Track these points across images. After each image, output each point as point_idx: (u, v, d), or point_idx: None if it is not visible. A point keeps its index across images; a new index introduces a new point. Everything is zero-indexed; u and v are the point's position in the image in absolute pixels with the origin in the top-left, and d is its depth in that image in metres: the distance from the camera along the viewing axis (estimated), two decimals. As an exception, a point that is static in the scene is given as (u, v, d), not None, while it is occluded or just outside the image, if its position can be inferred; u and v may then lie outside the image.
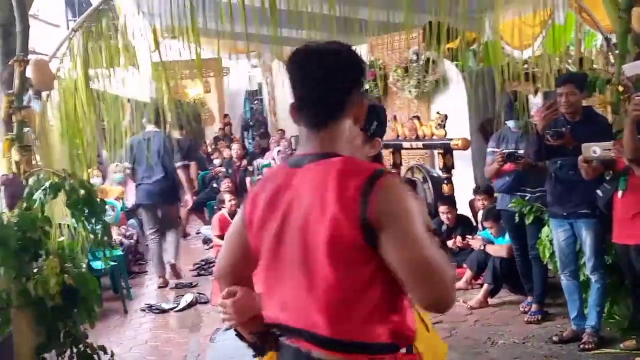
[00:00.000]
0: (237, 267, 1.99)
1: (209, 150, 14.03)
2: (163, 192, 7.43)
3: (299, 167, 1.78)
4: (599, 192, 4.52)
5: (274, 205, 1.79)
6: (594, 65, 5.63)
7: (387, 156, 8.60)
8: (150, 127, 7.41)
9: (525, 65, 6.59)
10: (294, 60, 1.81)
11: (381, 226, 1.64)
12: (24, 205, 4.24)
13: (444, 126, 7.17)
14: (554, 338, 4.97)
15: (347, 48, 1.83)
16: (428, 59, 7.75)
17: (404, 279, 1.66)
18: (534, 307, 5.53)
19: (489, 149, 5.65)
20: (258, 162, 12.58)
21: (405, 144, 7.81)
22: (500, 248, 6.00)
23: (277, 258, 1.80)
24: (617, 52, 5.25)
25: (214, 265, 5.07)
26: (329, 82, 1.77)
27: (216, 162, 12.33)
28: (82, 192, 4.21)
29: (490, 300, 6.04)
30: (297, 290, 1.75)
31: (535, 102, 6.21)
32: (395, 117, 8.13)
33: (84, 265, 4.80)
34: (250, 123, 18.22)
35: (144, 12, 5.40)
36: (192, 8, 4.69)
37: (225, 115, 17.35)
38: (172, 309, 6.59)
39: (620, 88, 4.91)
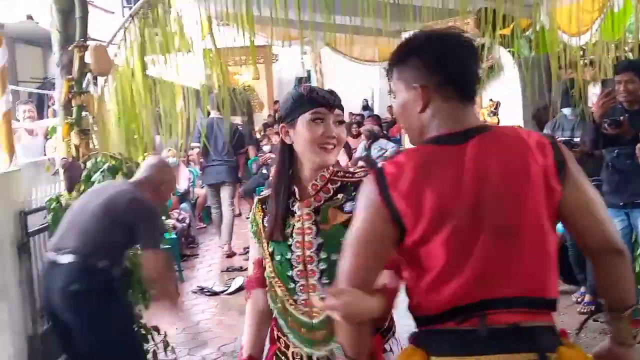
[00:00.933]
0: (369, 282, 1.79)
1: (258, 136, 14.12)
2: (228, 173, 8.17)
3: (461, 143, 1.74)
4: (657, 182, 4.43)
5: (456, 187, 1.69)
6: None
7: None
8: (215, 113, 7.94)
9: (582, 53, 6.48)
10: (436, 39, 1.84)
11: (568, 178, 1.75)
12: (82, 187, 4.36)
13: (497, 113, 7.10)
14: (608, 330, 4.88)
15: None
16: (481, 46, 7.66)
17: (588, 220, 1.76)
18: (587, 297, 5.45)
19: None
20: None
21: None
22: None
23: (474, 235, 1.69)
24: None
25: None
26: (475, 59, 1.86)
27: (265, 148, 12.39)
28: (139, 174, 4.30)
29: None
30: (514, 260, 1.70)
31: (594, 90, 6.09)
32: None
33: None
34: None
35: (198, -1, 5.45)
36: (246, -6, 4.74)
37: (276, 102, 17.46)
38: (223, 291, 6.70)
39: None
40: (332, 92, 2.19)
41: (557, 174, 1.73)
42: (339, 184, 2.17)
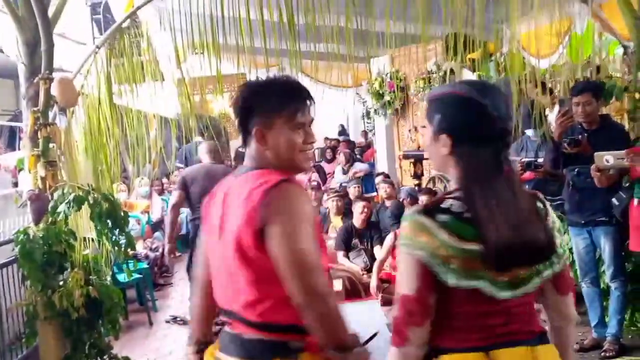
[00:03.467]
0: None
1: (232, 163, 14.14)
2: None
3: None
4: (614, 200, 4.51)
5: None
6: (612, 73, 5.61)
7: (408, 167, 8.66)
8: (198, 138, 8.56)
9: (547, 75, 6.62)
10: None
11: (269, 224, 1.91)
12: (49, 219, 4.36)
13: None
14: (575, 346, 4.93)
15: None
16: (448, 70, 7.80)
17: (281, 273, 1.91)
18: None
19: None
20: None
21: (427, 155, 7.82)
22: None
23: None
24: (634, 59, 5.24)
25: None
26: None
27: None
28: (105, 205, 4.32)
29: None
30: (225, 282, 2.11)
31: (554, 111, 6.21)
32: (415, 128, 8.18)
33: (109, 278, 4.92)
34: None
35: (168, 28, 5.51)
36: (212, 23, 4.81)
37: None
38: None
39: (637, 95, 4.89)
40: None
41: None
42: None
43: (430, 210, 1.78)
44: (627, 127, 5.05)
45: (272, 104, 2.08)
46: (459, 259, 1.73)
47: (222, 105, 17.47)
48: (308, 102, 2.12)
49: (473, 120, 1.82)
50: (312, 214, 1.98)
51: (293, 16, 4.66)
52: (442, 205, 1.80)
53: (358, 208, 6.83)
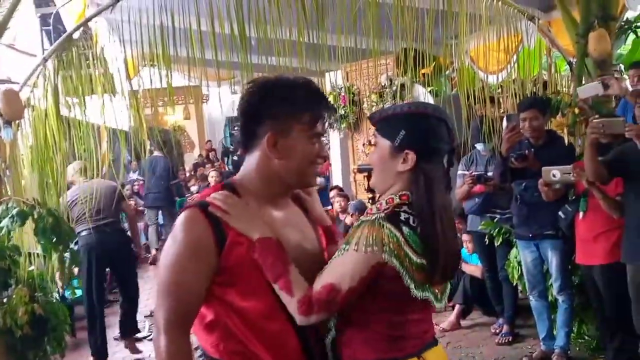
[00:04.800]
0: None
1: (187, 176, 14.01)
2: (164, 199, 11.02)
3: None
4: (561, 214, 4.59)
5: None
6: (560, 89, 5.73)
7: (361, 180, 8.69)
8: (156, 153, 10.52)
9: (499, 90, 6.73)
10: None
11: None
12: (-7, 234, 4.25)
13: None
14: (524, 359, 5.01)
15: None
16: (402, 85, 7.86)
17: None
18: (505, 328, 5.57)
19: (459, 172, 5.70)
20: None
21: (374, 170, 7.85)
22: (475, 268, 6.03)
23: None
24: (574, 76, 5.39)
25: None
26: None
27: (193, 188, 12.32)
28: (49, 219, 4.22)
29: (462, 322, 6.07)
30: None
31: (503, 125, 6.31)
32: (370, 142, 8.21)
33: (56, 294, 4.81)
34: (231, 149, 18.28)
35: (118, 40, 5.44)
36: (162, 35, 4.76)
37: (207, 142, 17.42)
38: (145, 337, 6.56)
39: (577, 110, 5.00)
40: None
41: None
42: None
43: (393, 220, 1.80)
44: (567, 141, 5.16)
45: (292, 108, 1.83)
46: (415, 272, 1.79)
47: (175, 118, 17.37)
48: (328, 111, 1.93)
49: (439, 136, 1.88)
50: (192, 243, 1.77)
51: (245, 28, 4.64)
52: (401, 218, 1.81)
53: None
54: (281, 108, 1.83)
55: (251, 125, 1.86)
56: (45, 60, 4.91)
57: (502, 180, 4.91)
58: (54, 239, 4.27)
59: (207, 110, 18.45)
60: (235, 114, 1.99)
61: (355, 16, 4.66)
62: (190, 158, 17.24)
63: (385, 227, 1.79)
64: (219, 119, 18.65)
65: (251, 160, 1.89)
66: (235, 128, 19.19)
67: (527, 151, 4.71)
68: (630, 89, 4.82)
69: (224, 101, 17.52)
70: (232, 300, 1.79)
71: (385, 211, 1.83)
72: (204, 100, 17.95)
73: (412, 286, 1.79)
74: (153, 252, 10.71)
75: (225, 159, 18.16)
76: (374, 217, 1.83)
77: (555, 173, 4.34)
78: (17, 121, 4.74)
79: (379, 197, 1.97)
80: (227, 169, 17.18)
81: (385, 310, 1.85)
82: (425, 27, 4.88)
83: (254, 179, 1.89)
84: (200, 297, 1.79)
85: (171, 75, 5.01)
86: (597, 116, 4.14)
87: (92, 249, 5.81)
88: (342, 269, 1.80)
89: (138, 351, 6.20)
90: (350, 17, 4.67)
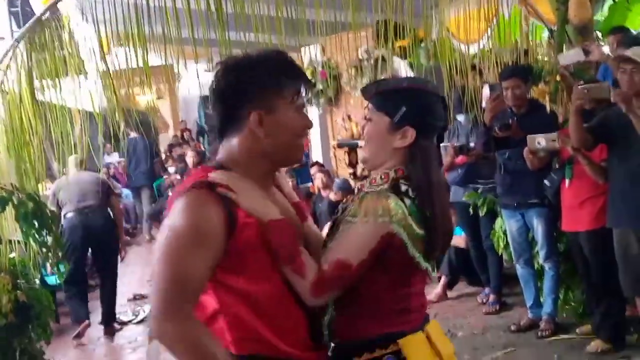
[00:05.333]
0: None
1: (163, 157, 13.85)
2: (147, 179, 11.67)
3: None
4: (546, 182, 4.60)
5: None
6: (539, 57, 5.72)
7: (342, 156, 8.66)
8: (133, 134, 10.60)
9: (476, 60, 6.70)
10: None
11: None
12: (-29, 222, 4.16)
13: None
14: (512, 327, 5.05)
15: None
16: (379, 58, 7.80)
17: None
18: (491, 297, 5.61)
19: (441, 144, 5.69)
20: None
21: (361, 143, 7.82)
22: (460, 239, 6.02)
23: None
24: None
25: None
26: None
27: (171, 169, 12.15)
28: (30, 205, 4.14)
29: (449, 293, 6.10)
30: None
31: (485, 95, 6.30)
32: (349, 117, 8.17)
33: (37, 281, 4.74)
34: (206, 128, 18.10)
35: (90, 20, 5.31)
36: (137, 13, 4.65)
37: (181, 122, 17.24)
38: (130, 321, 6.52)
39: (558, 78, 5.01)
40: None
41: None
42: None
43: (397, 191, 1.83)
44: (549, 109, 5.15)
45: (272, 83, 1.77)
46: (416, 242, 1.81)
47: (149, 98, 17.12)
48: (305, 80, 1.89)
49: (437, 113, 1.93)
50: (201, 228, 1.66)
51: (221, 4, 4.55)
52: (402, 189, 1.84)
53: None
54: (261, 85, 1.77)
55: (229, 109, 1.80)
56: (17, 42, 4.78)
57: (486, 149, 4.91)
58: (36, 224, 4.19)
59: (181, 90, 18.22)
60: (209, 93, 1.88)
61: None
62: (165, 138, 17.03)
63: (391, 197, 1.80)
64: (193, 98, 18.43)
65: (232, 143, 1.81)
66: (209, 107, 19.03)
67: (510, 120, 4.71)
68: (610, 54, 4.82)
69: (200, 79, 17.39)
70: (238, 286, 1.71)
71: (387, 183, 1.85)
72: (178, 80, 17.70)
73: (417, 256, 1.81)
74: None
75: (201, 138, 18.00)
76: (379, 189, 1.84)
77: (540, 141, 4.34)
78: (-9, 106, 4.63)
79: (369, 172, 1.95)
80: (202, 148, 17.07)
81: (393, 282, 1.85)
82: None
83: (239, 161, 1.80)
84: (204, 282, 1.69)
85: (146, 54, 4.91)
86: (581, 82, 4.13)
87: (77, 229, 6.14)
88: (349, 243, 1.79)
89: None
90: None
